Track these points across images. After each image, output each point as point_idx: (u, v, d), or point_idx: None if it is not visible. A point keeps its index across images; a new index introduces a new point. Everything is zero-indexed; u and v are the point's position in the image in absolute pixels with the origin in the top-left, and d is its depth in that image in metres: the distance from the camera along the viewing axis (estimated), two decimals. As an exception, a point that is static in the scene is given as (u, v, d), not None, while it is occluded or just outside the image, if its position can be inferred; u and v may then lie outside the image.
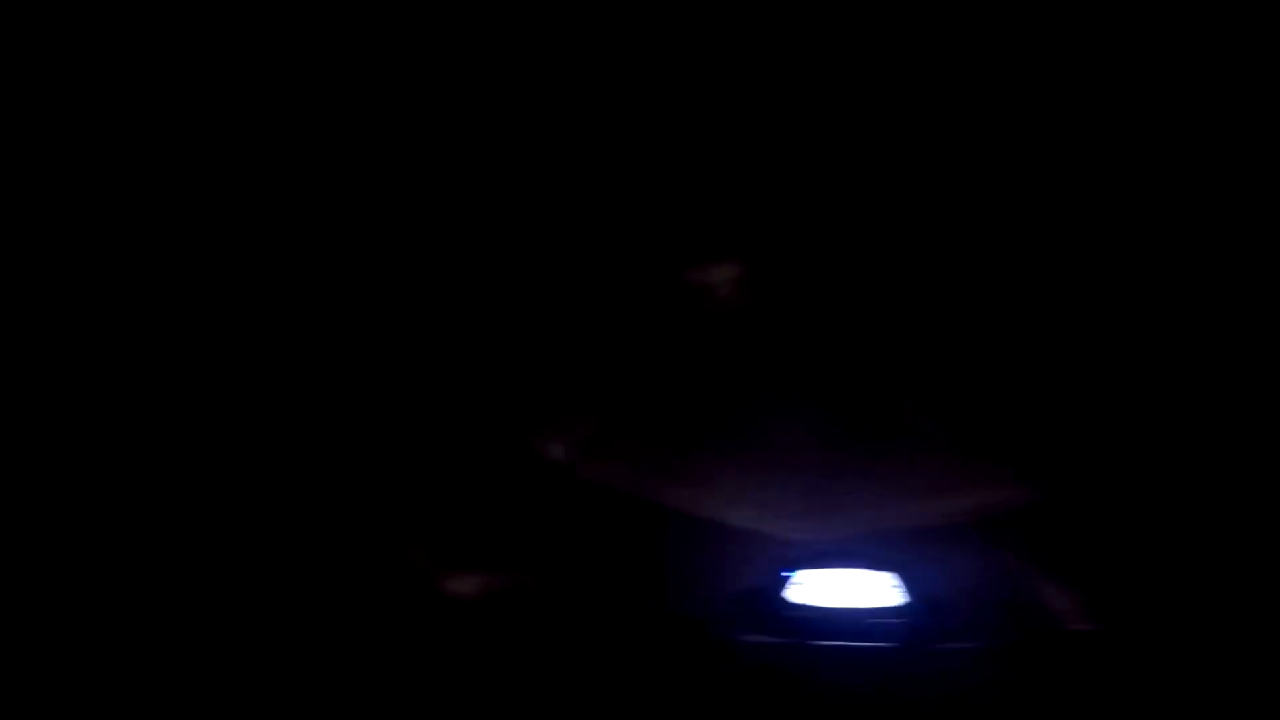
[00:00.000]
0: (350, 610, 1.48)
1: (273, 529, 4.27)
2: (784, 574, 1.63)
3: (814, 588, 1.57)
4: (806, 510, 4.68)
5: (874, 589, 1.54)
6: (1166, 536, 4.25)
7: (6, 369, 2.14)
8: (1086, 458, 5.35)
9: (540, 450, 5.95)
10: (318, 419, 6.16)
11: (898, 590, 1.52)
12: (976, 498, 4.88)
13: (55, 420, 2.03)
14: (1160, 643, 1.28)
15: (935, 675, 1.26)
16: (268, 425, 5.92)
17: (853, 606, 1.49)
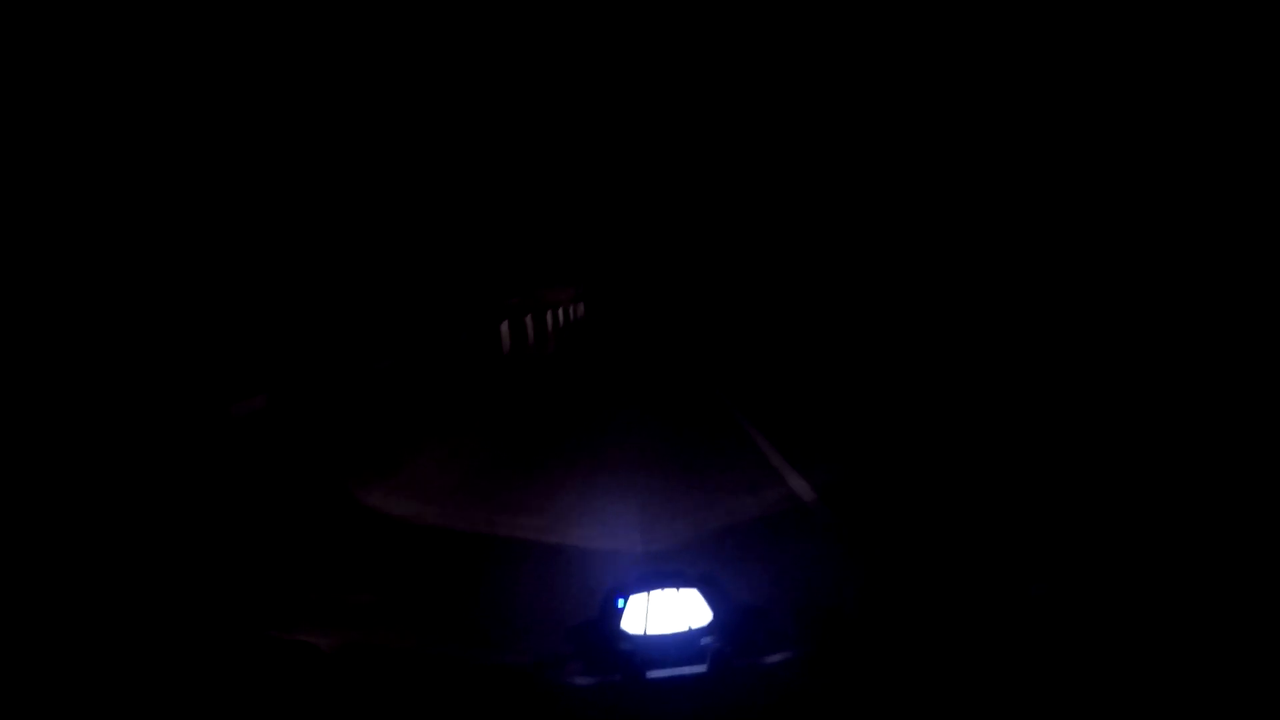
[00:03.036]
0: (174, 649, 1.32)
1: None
2: (617, 600, 1.62)
3: (641, 615, 1.57)
4: (638, 523, 4.75)
5: (695, 608, 1.56)
6: (969, 527, 4.69)
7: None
8: (885, 452, 5.79)
9: (364, 494, 5.64)
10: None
11: (713, 607, 1.56)
12: (786, 490, 5.17)
13: None
14: (963, 634, 1.39)
15: (752, 690, 1.30)
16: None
17: (678, 631, 1.50)
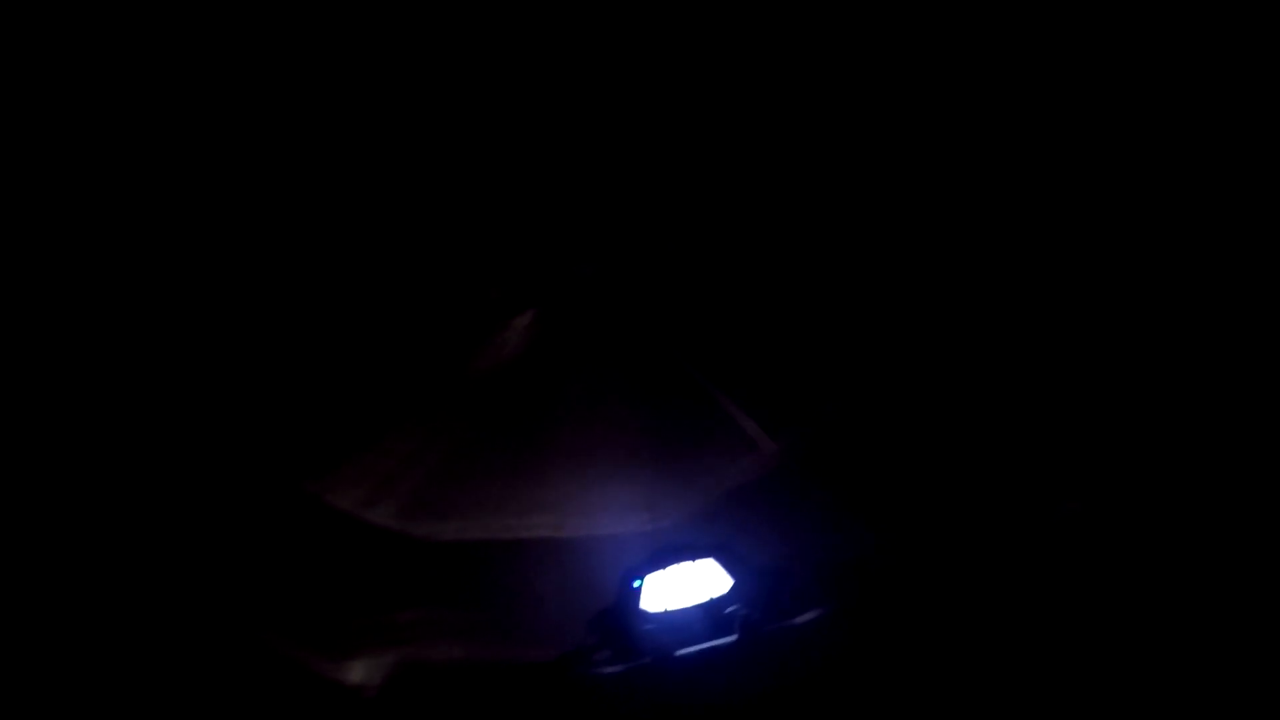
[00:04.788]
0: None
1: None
2: (632, 582, 1.55)
3: (661, 593, 1.51)
4: (640, 504, 4.70)
5: (714, 578, 1.50)
6: (968, 476, 4.67)
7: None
8: (874, 403, 5.77)
9: (364, 502, 5.52)
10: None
11: (732, 573, 1.49)
12: (772, 451, 5.12)
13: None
14: (980, 580, 1.34)
15: (787, 654, 1.24)
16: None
17: (701, 603, 1.44)
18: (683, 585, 1.50)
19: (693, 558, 1.53)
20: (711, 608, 1.44)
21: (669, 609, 1.47)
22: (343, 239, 13.22)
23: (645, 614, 1.48)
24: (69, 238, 7.18)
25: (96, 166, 7.52)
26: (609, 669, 1.34)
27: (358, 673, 2.90)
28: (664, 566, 1.52)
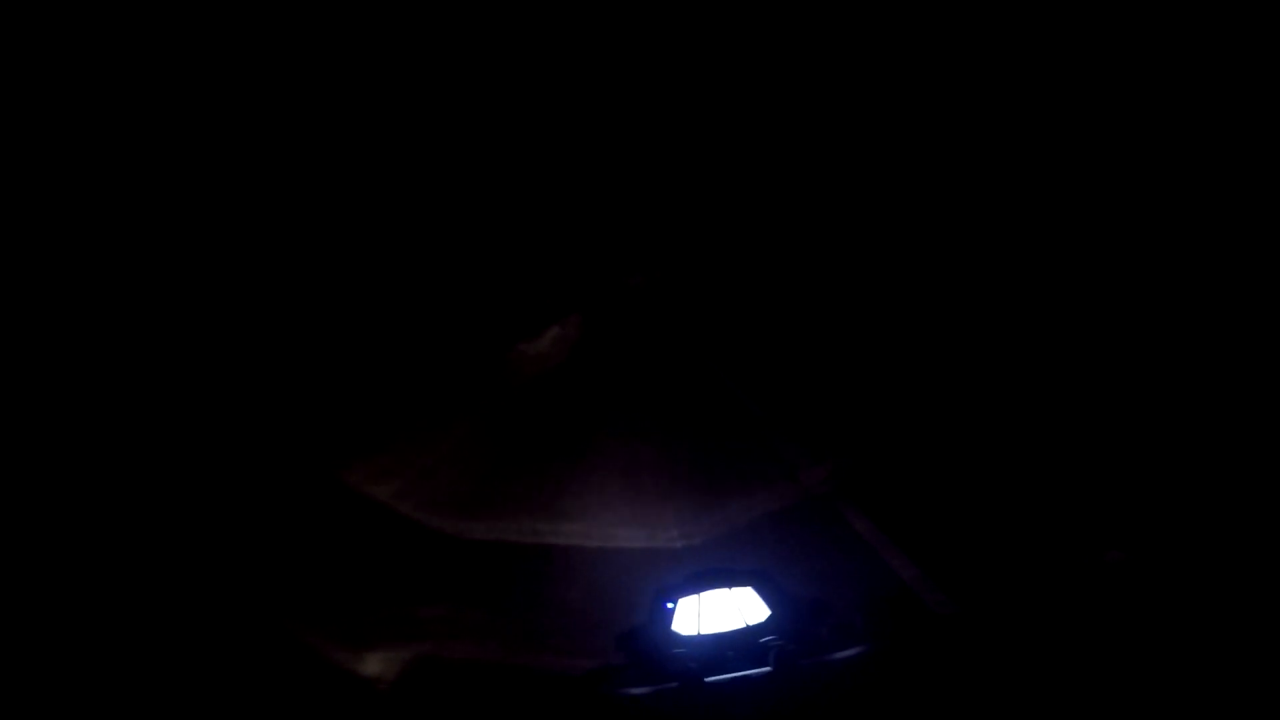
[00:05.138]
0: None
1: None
2: (665, 603, 1.51)
3: (694, 616, 1.46)
4: (671, 522, 4.64)
5: (750, 605, 1.45)
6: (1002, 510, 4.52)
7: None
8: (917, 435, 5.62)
9: (400, 494, 5.57)
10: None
11: (769, 603, 1.44)
12: (816, 479, 5.01)
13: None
14: (1015, 617, 1.27)
15: (823, 690, 1.19)
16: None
17: (735, 629, 1.39)
18: (717, 611, 1.45)
19: (730, 585, 1.49)
20: (746, 636, 1.39)
21: (702, 633, 1.43)
22: (400, 236, 13.50)
23: (677, 636, 1.44)
24: (136, 232, 7.41)
25: (181, 165, 7.75)
26: (636, 689, 1.30)
27: (374, 665, 2.89)
28: (699, 590, 1.48)
